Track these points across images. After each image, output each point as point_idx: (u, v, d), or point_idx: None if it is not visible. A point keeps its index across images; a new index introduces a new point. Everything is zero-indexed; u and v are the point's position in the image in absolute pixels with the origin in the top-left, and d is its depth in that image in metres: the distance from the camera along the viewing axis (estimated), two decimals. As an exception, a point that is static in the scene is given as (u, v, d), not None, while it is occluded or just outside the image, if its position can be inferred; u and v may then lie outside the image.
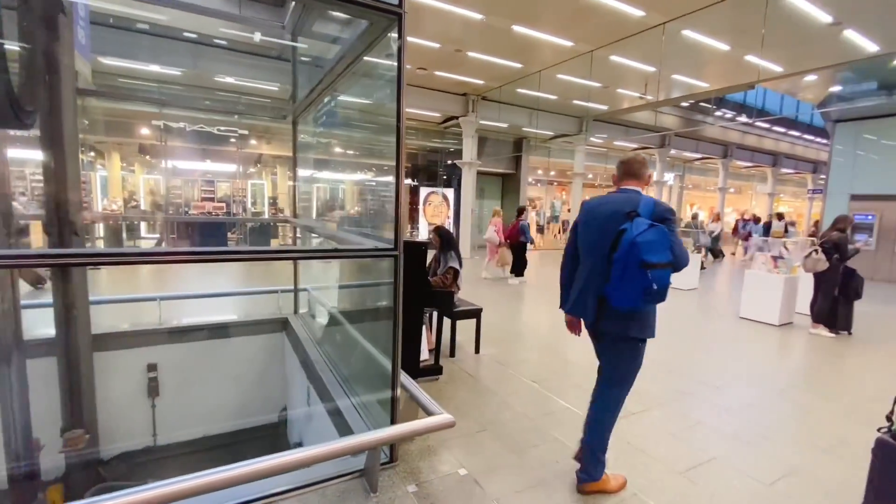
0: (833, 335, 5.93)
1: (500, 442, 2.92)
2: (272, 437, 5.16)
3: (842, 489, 2.53)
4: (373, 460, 2.30)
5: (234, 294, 5.93)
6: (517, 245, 9.08)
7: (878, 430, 2.16)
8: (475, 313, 4.51)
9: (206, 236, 10.63)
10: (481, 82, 11.09)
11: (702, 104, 16.24)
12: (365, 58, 2.90)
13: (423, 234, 14.57)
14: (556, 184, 21.74)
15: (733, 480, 2.60)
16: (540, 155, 16.49)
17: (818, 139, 21.07)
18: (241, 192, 14.85)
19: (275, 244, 13.99)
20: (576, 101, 13.08)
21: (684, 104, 15.75)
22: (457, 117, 12.46)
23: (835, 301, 6.03)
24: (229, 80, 8.66)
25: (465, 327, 4.65)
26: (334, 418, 3.23)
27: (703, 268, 10.77)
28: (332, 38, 5.73)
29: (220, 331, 4.98)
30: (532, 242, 9.61)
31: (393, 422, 2.54)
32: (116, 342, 4.31)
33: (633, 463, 2.73)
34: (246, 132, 11.83)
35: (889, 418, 2.11)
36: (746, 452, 2.91)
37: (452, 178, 15.50)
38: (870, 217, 11.80)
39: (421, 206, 14.68)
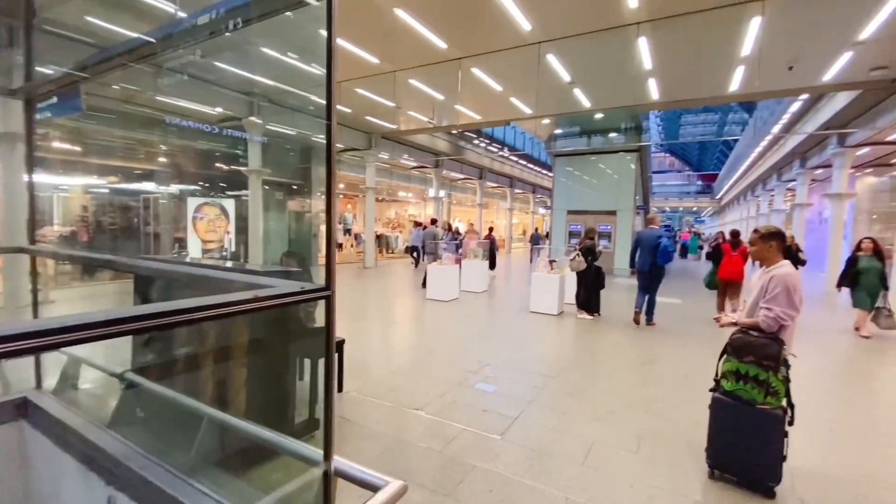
0: (592, 317, 7.82)
1: (425, 487, 2.62)
2: None
3: (681, 438, 3.31)
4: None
5: None
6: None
7: (710, 390, 2.91)
8: (337, 346, 3.96)
9: None
10: (272, 83, 9.99)
11: (466, 133, 19.02)
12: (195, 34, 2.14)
13: (195, 254, 12.05)
14: (342, 196, 21.54)
15: (616, 457, 3.06)
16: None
17: (536, 167, 27.75)
18: None
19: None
20: (368, 117, 13.30)
21: (453, 132, 18.10)
22: (239, 118, 10.83)
23: (589, 291, 7.97)
24: None
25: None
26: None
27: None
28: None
29: None
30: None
31: (329, 512, 1.93)
32: None
33: (545, 467, 2.88)
34: None
35: (716, 380, 2.87)
36: (609, 430, 3.48)
37: (230, 187, 13.36)
38: (580, 226, 16.24)
39: (190, 221, 12.08)
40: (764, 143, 19.96)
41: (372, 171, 15.69)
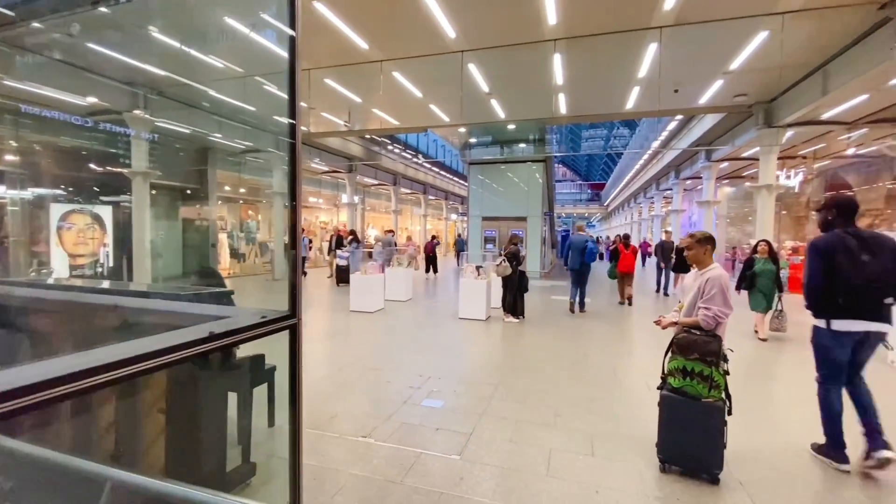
0: (517, 320, 8.04)
1: (393, 529, 2.36)
2: None
3: (626, 435, 3.44)
4: None
5: None
6: (432, 256, 16.37)
7: (658, 388, 3.06)
8: (267, 373, 3.47)
9: None
10: (163, 73, 8.73)
11: (380, 138, 18.66)
12: None
13: (61, 272, 10.06)
14: (241, 202, 19.69)
15: (575, 463, 3.07)
16: (229, 169, 14.56)
17: (448, 175, 28.28)
18: None
19: None
20: (275, 117, 12.33)
21: (367, 136, 17.63)
22: (119, 112, 9.30)
23: (515, 295, 8.19)
24: None
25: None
26: None
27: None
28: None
29: None
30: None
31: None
32: None
33: (512, 485, 2.78)
34: None
35: (664, 379, 3.03)
36: (561, 434, 3.50)
37: (107, 192, 11.41)
38: (494, 232, 16.80)
39: (53, 232, 10.06)
40: (646, 157, 22.67)
41: (279, 176, 14.61)
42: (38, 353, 2.32)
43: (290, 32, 1.67)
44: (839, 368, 2.99)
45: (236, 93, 9.41)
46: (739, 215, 21.85)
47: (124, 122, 9.55)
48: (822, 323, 3.01)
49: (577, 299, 8.70)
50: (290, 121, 1.60)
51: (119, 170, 9.98)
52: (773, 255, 6.70)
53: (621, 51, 7.37)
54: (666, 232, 12.76)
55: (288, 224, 1.64)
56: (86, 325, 2.06)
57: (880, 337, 2.93)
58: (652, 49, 7.21)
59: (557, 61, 7.78)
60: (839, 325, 2.93)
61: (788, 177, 12.65)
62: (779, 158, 11.53)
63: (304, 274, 14.72)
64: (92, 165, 10.40)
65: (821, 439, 3.15)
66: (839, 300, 2.87)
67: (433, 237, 17.92)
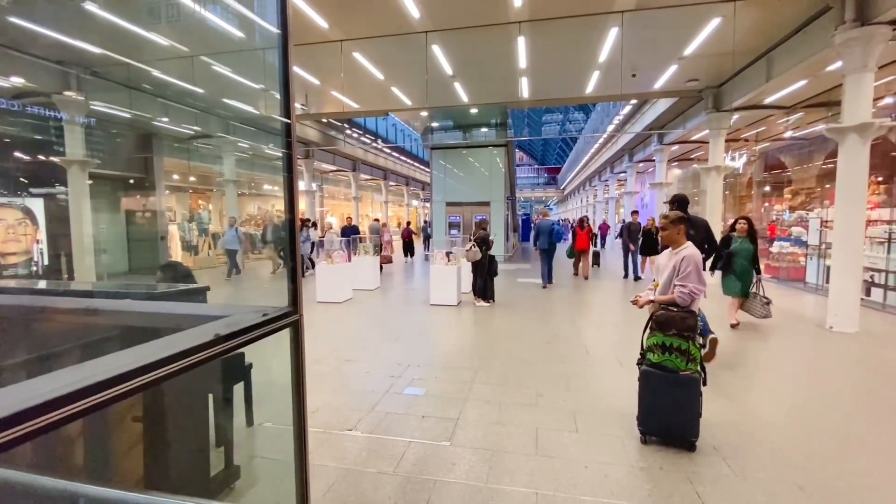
0: (488, 304, 8.13)
1: (393, 520, 2.33)
2: None
3: (605, 410, 3.57)
4: None
5: None
6: (408, 241, 17.16)
7: (637, 363, 3.18)
8: (244, 371, 3.31)
9: None
10: (98, 51, 7.94)
11: (338, 122, 18.05)
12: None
13: (-13, 271, 9.11)
14: (191, 191, 18.53)
15: (562, 440, 3.16)
16: (178, 157, 13.64)
17: (409, 160, 27.89)
18: None
19: None
20: (224, 99, 11.59)
21: (323, 120, 17.00)
22: (48, 94, 8.39)
23: (485, 280, 8.27)
24: None
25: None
26: None
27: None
28: None
29: None
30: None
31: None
32: None
33: (504, 466, 2.83)
34: None
35: (643, 355, 3.15)
36: (545, 414, 3.59)
37: (37, 183, 10.36)
38: (458, 217, 16.81)
39: (-25, 228, 9.05)
40: (601, 140, 23.33)
41: (231, 161, 13.87)
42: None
43: (279, 32, 1.59)
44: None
45: (184, 73, 8.73)
46: (687, 196, 23.10)
47: (55, 106, 8.65)
48: None
49: (547, 274, 9.81)
50: (286, 120, 1.53)
51: (52, 158, 9.08)
52: (752, 235, 5.93)
53: (584, 35, 7.45)
54: (633, 213, 12.17)
55: (286, 221, 1.55)
56: (57, 332, 1.86)
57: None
58: (613, 33, 7.34)
59: (522, 45, 7.75)
60: None
61: (733, 159, 13.43)
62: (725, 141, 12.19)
63: (238, 271, 11.57)
64: (18, 154, 9.39)
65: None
66: None
67: (408, 223, 19.12)
